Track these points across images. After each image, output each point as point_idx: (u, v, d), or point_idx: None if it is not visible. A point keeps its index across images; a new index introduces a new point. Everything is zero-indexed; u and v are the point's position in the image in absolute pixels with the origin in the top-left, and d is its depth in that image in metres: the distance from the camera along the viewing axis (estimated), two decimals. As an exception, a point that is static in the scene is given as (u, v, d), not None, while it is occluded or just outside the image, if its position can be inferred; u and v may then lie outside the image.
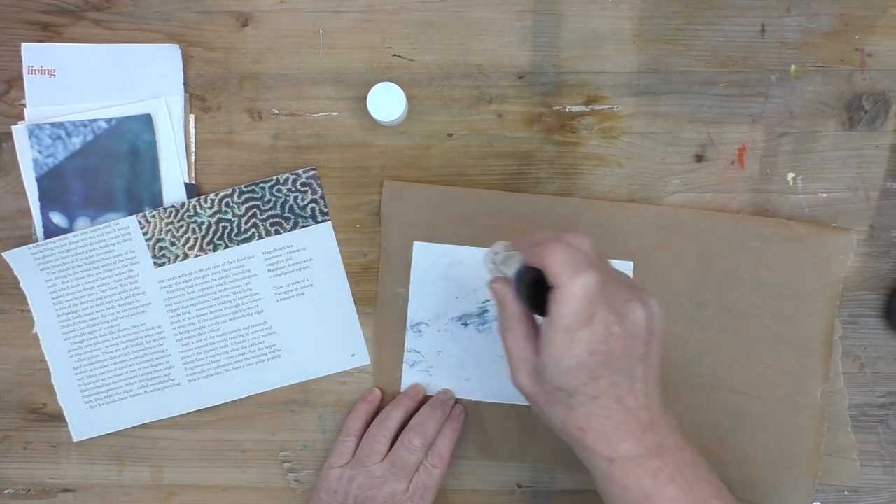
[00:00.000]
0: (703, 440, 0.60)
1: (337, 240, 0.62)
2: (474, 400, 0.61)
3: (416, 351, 0.62)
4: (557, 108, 0.62)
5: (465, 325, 0.61)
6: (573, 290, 0.44)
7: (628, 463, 0.46)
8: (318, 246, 0.62)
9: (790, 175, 0.61)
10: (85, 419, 0.63)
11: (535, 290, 0.46)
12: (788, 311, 0.60)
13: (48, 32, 0.62)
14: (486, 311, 0.61)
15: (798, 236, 0.60)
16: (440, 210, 0.60)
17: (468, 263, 0.61)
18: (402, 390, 0.62)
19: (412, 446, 0.58)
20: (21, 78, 0.62)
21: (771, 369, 0.60)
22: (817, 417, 0.60)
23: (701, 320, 0.60)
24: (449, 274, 0.61)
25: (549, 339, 0.45)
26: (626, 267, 0.60)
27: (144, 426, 0.63)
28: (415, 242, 0.61)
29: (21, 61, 0.61)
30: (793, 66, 0.61)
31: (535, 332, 0.48)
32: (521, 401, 0.60)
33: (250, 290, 0.62)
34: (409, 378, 0.62)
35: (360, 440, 0.60)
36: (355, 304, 0.62)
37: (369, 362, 0.62)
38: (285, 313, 0.62)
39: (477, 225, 0.60)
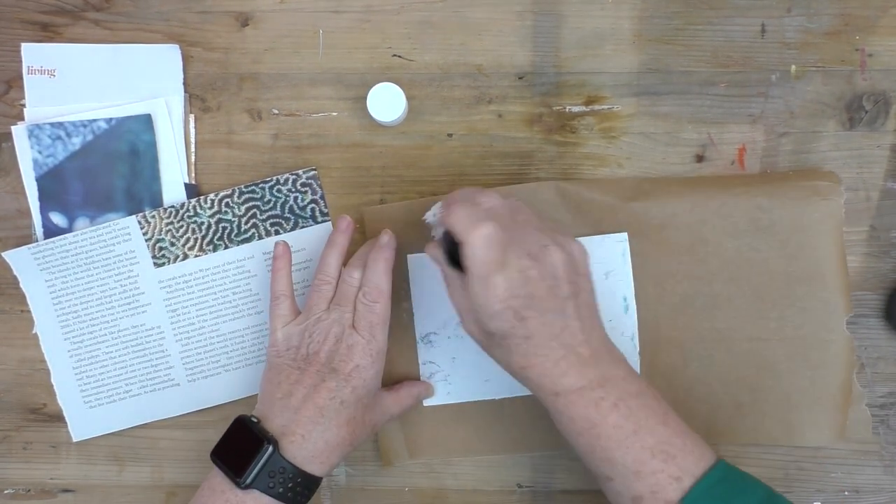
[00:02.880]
0: (733, 394, 0.59)
1: (337, 240, 0.62)
2: (497, 398, 0.61)
3: (430, 362, 0.61)
4: (557, 108, 0.61)
5: None
6: (472, 241, 0.48)
7: (572, 395, 0.49)
8: (318, 247, 0.62)
9: (790, 175, 0.61)
10: (85, 419, 0.63)
11: (454, 248, 0.50)
12: (793, 249, 0.59)
13: (48, 32, 0.62)
14: None
15: (781, 178, 0.60)
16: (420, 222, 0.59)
17: None
18: (424, 404, 0.61)
19: (351, 279, 0.57)
20: (21, 78, 0.62)
21: (789, 310, 0.59)
22: (846, 349, 0.59)
23: (705, 275, 0.59)
24: None
25: (470, 289, 0.49)
26: (620, 238, 0.60)
27: (144, 426, 0.63)
28: (407, 255, 0.61)
29: (21, 61, 0.61)
30: (793, 66, 0.61)
31: None
32: None
33: (250, 290, 0.62)
34: None
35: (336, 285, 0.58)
36: (355, 305, 0.62)
37: None
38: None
39: None
